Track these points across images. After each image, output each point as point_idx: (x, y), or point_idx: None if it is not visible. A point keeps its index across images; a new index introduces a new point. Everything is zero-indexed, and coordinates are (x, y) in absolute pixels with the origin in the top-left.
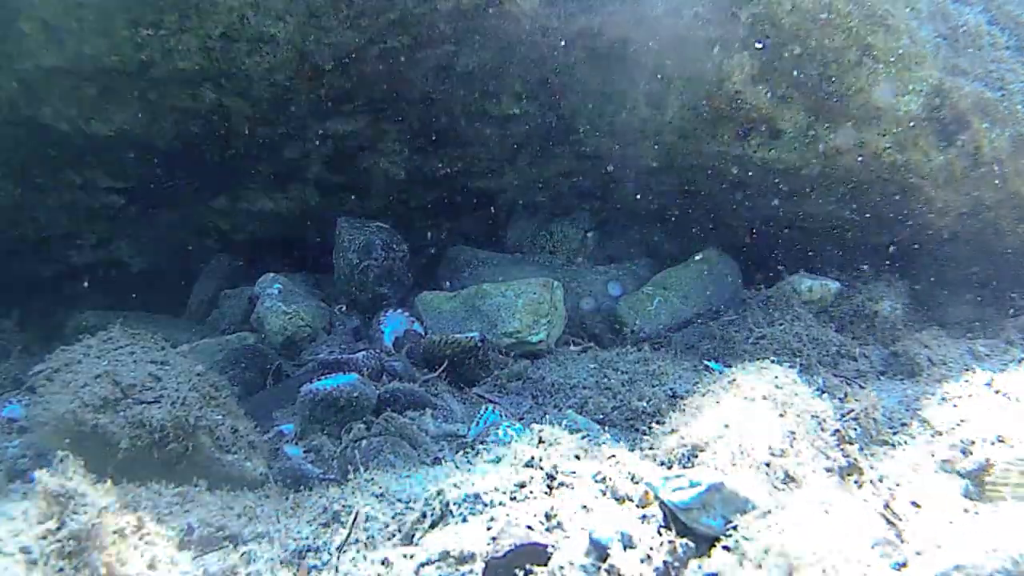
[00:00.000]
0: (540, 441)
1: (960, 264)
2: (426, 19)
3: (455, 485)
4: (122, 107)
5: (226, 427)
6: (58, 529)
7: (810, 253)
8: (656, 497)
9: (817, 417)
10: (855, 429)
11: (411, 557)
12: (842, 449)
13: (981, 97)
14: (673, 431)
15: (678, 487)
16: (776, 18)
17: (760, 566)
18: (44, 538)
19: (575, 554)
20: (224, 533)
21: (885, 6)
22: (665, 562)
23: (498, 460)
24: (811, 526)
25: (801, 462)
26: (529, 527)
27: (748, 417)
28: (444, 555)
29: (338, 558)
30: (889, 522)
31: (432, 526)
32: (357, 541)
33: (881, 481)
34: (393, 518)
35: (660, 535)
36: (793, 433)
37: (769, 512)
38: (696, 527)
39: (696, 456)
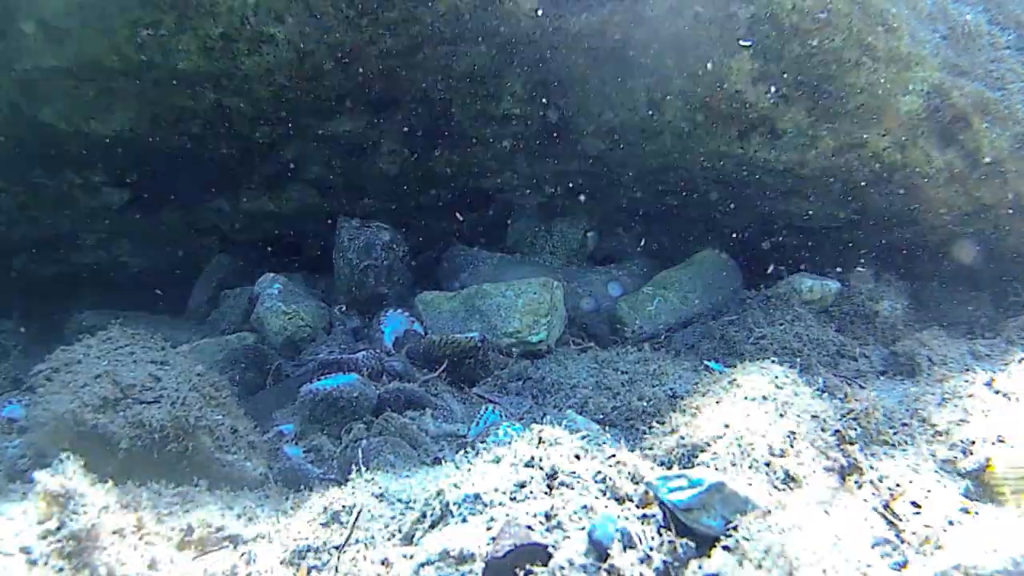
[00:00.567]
0: (540, 441)
1: (960, 264)
2: (426, 19)
3: (455, 485)
4: (122, 107)
5: (226, 427)
6: (58, 529)
7: (810, 253)
8: (656, 497)
9: (817, 417)
10: (855, 429)
11: (411, 557)
12: (842, 449)
13: (981, 97)
14: (673, 431)
15: (678, 487)
16: (776, 18)
17: (760, 566)
18: (44, 538)
19: (575, 554)
20: (224, 533)
21: (885, 6)
22: (665, 562)
23: (498, 460)
24: (811, 526)
25: (801, 462)
26: (529, 527)
27: (748, 417)
28: (444, 555)
29: (339, 558)
30: (889, 522)
31: (432, 526)
32: (357, 541)
33: (881, 481)
34: (393, 518)
35: (660, 535)
36: (793, 433)
37: (769, 512)
38: (696, 527)
39: (696, 456)
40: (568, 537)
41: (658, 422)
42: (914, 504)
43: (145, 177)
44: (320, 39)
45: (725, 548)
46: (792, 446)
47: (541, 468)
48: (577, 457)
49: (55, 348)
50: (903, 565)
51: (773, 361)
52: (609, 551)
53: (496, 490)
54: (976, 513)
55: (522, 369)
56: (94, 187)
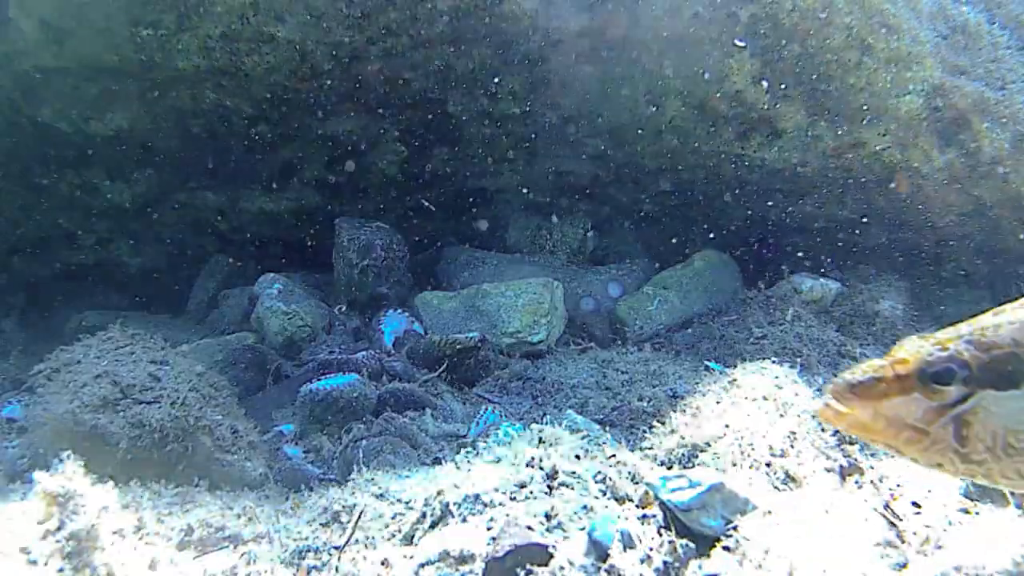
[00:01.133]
0: (540, 441)
1: (960, 264)
2: (426, 19)
3: (455, 485)
4: (122, 107)
5: (226, 427)
6: (58, 529)
7: (810, 253)
8: (656, 497)
9: (818, 417)
10: None
11: (411, 557)
12: (843, 449)
13: (982, 97)
14: (673, 431)
15: (678, 487)
16: (776, 18)
17: (760, 566)
18: (44, 538)
19: (575, 554)
20: (224, 533)
21: (885, 6)
22: (665, 562)
23: (498, 460)
24: (811, 526)
25: (802, 462)
26: (529, 527)
27: (749, 417)
28: (444, 555)
29: (339, 558)
30: (890, 522)
31: (432, 526)
32: (357, 541)
33: (881, 481)
34: (393, 518)
35: (660, 535)
36: (794, 433)
37: (769, 512)
38: (696, 527)
39: (696, 456)
40: (568, 537)
41: (658, 422)
42: (914, 504)
43: (145, 177)
44: (320, 39)
45: (725, 548)
46: (792, 446)
47: (541, 468)
48: (577, 457)
49: (55, 348)
50: (903, 565)
51: (773, 361)
52: (609, 551)
53: (496, 490)
54: (976, 513)
55: (522, 369)
56: (94, 187)
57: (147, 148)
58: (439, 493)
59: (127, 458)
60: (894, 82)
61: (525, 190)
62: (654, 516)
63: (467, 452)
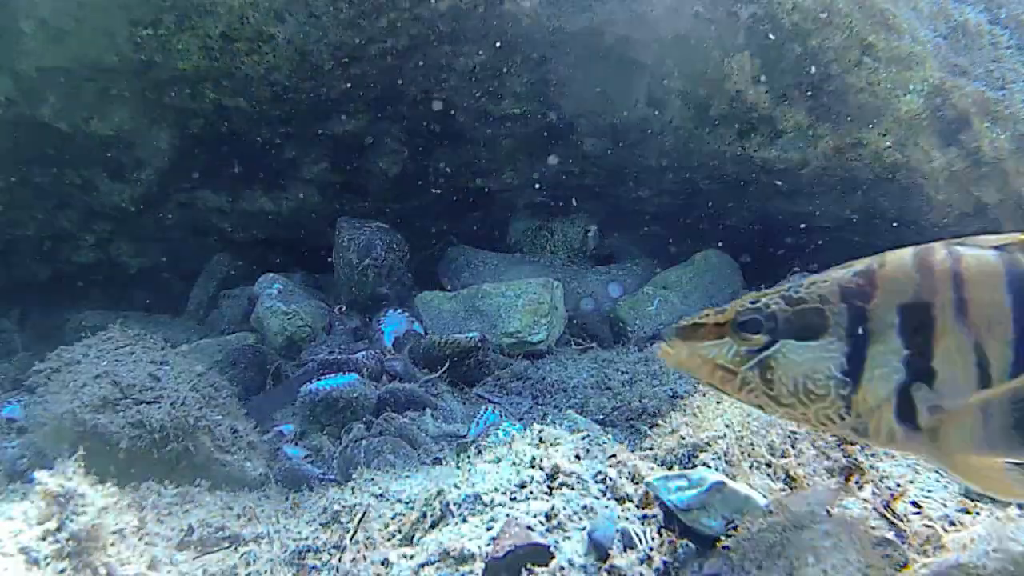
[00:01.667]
0: (540, 441)
1: None
2: (426, 19)
3: (455, 485)
4: (122, 107)
5: (226, 427)
6: (58, 530)
7: (810, 253)
8: (656, 497)
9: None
10: None
11: (411, 557)
12: (843, 449)
13: (982, 96)
14: (673, 431)
15: (678, 487)
16: (776, 18)
17: (760, 567)
18: (44, 539)
19: (575, 554)
20: (224, 533)
21: (886, 5)
22: (665, 562)
23: (498, 460)
24: (812, 526)
25: (802, 462)
26: (529, 527)
27: (749, 417)
28: (444, 555)
29: (339, 558)
30: (890, 522)
31: (432, 526)
32: (357, 542)
33: (882, 481)
34: (393, 518)
35: (660, 535)
36: (794, 433)
37: (770, 512)
38: (696, 527)
39: (696, 456)
40: (568, 537)
41: (658, 422)
42: (915, 504)
43: (145, 177)
44: (320, 39)
45: (725, 548)
46: (793, 446)
47: (541, 468)
48: (577, 457)
49: (55, 348)
50: (903, 565)
51: None
52: (609, 551)
53: (496, 490)
54: (977, 513)
55: (522, 369)
56: (94, 187)
57: (147, 148)
58: (439, 493)
59: (127, 458)
60: (894, 82)
61: (525, 190)
62: (654, 516)
63: (467, 452)
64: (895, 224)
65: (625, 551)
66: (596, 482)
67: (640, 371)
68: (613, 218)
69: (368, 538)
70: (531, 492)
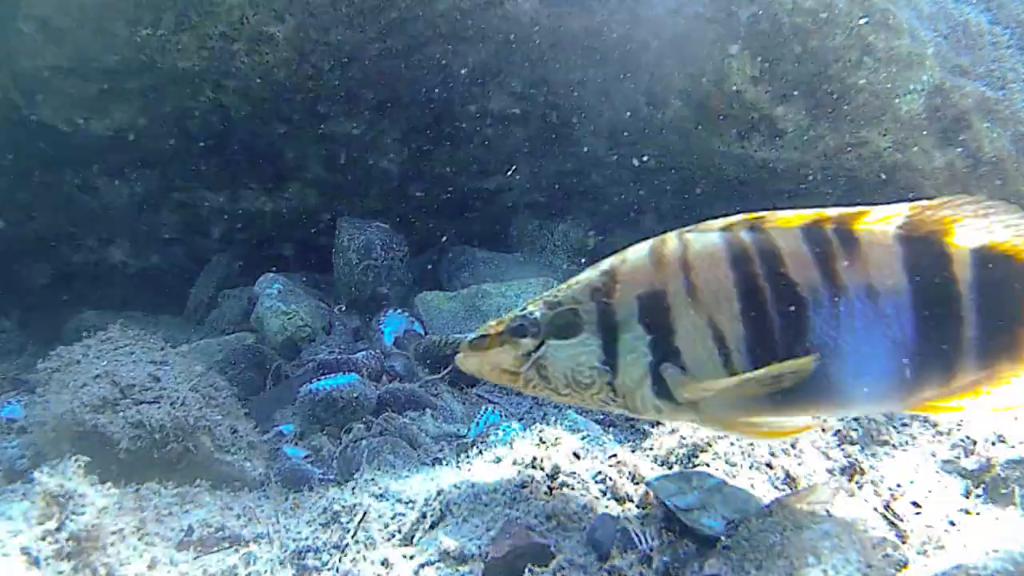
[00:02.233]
0: (540, 441)
1: None
2: (426, 19)
3: (455, 485)
4: (122, 107)
5: (226, 427)
6: (58, 530)
7: None
8: (656, 497)
9: (818, 417)
10: (856, 429)
11: (411, 558)
12: (843, 449)
13: (983, 96)
14: (673, 431)
15: (678, 487)
16: (776, 17)
17: (760, 567)
18: (44, 539)
19: (575, 554)
20: (224, 533)
21: (886, 5)
22: (665, 562)
23: (498, 460)
24: (812, 527)
25: (802, 462)
26: (529, 527)
27: None
28: (444, 555)
29: (339, 559)
30: (890, 522)
31: (432, 526)
32: (357, 542)
33: (882, 481)
34: (393, 518)
35: (660, 535)
36: None
37: (770, 513)
38: (696, 527)
39: (697, 456)
40: (568, 537)
41: (659, 422)
42: (915, 504)
43: (145, 177)
44: (320, 39)
45: (725, 548)
46: (793, 446)
47: (542, 468)
48: (577, 457)
49: (55, 348)
50: (903, 565)
51: None
52: (609, 551)
53: (496, 490)
54: (977, 513)
55: None
56: (94, 187)
57: (147, 148)
58: (439, 493)
59: (127, 458)
60: (895, 82)
61: (525, 190)
62: (654, 516)
63: (467, 452)
64: None
65: (625, 551)
66: (596, 482)
67: None
68: (613, 218)
69: (368, 538)
70: (531, 492)
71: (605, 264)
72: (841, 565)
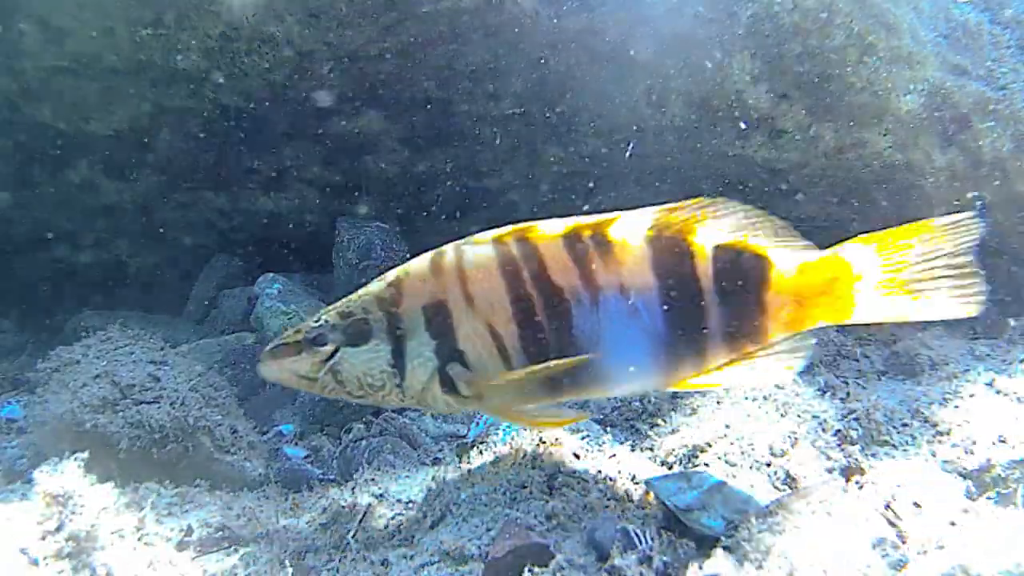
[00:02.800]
0: (541, 441)
1: None
2: (426, 19)
3: (455, 485)
4: (122, 107)
5: (226, 427)
6: (57, 530)
7: None
8: (656, 497)
9: (818, 417)
10: (856, 430)
11: (411, 558)
12: (843, 449)
13: (983, 96)
14: (674, 431)
15: (678, 487)
16: (777, 17)
17: (760, 567)
18: (43, 539)
19: (575, 554)
20: (224, 533)
21: (886, 5)
22: (665, 562)
23: (499, 460)
24: (812, 527)
25: (802, 462)
26: (529, 527)
27: (749, 417)
28: (444, 555)
29: (339, 559)
30: (890, 522)
31: (432, 526)
32: (357, 542)
33: (882, 481)
34: (393, 518)
35: (660, 535)
36: (794, 433)
37: (770, 513)
38: (696, 527)
39: (697, 456)
40: (568, 537)
41: (659, 422)
42: (915, 504)
43: (145, 177)
44: (320, 39)
45: (725, 548)
46: (793, 446)
47: (542, 468)
48: (577, 457)
49: (55, 348)
50: (903, 565)
51: None
52: (609, 551)
53: (496, 490)
54: (977, 513)
55: None
56: (94, 187)
57: (147, 148)
58: (439, 493)
59: (127, 458)
60: (895, 82)
61: (526, 190)
62: (654, 516)
63: (468, 452)
64: (896, 224)
65: (625, 551)
66: (596, 482)
67: None
68: None
69: (368, 538)
70: (531, 492)
71: (391, 276)
72: (840, 565)
